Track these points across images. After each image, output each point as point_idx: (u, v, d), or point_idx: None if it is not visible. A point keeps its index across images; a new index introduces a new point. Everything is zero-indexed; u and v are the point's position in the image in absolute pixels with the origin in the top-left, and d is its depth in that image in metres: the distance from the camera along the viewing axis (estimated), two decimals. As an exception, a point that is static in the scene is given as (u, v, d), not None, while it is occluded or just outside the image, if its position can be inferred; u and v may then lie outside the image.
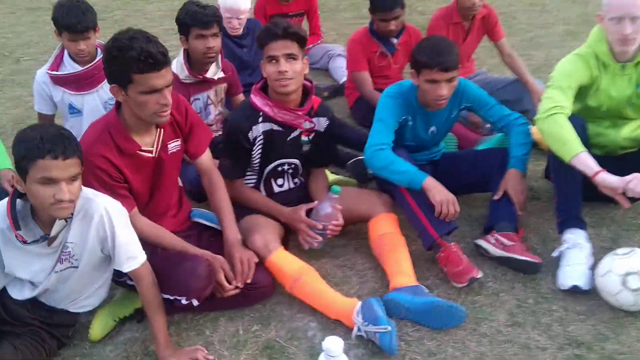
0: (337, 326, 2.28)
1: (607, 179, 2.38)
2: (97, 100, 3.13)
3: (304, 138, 2.69)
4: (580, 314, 2.32)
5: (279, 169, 2.74)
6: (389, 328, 2.14)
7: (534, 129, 2.88)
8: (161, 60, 2.14)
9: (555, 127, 2.51)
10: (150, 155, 2.36)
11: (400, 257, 2.50)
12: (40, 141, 1.87)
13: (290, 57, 2.50)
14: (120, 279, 2.32)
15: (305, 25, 5.03)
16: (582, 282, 2.39)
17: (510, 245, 2.55)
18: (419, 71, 2.65)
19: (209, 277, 2.25)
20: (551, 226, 2.72)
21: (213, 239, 2.56)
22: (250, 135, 2.60)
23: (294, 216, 2.60)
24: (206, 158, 2.59)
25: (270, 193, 2.76)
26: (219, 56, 3.21)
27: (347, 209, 2.64)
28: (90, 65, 3.06)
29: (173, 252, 2.33)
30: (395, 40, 3.73)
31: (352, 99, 3.98)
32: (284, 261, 2.44)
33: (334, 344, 1.82)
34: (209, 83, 3.21)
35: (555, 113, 2.52)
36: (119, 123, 2.28)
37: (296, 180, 2.81)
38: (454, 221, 2.57)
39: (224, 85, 3.31)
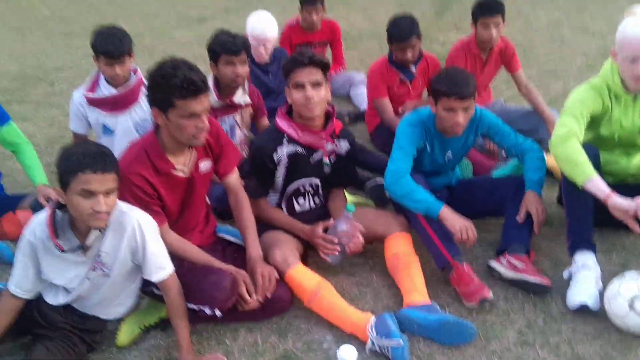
0: (352, 340, 2.37)
1: (618, 202, 2.47)
2: (129, 122, 3.31)
3: (325, 160, 2.83)
4: (589, 335, 2.40)
5: (301, 189, 2.87)
6: (402, 342, 2.24)
7: (548, 157, 2.99)
8: (201, 88, 2.30)
9: (569, 152, 2.61)
10: (183, 174, 2.51)
11: (414, 275, 2.61)
12: (82, 157, 2.04)
13: (316, 84, 2.65)
14: (148, 289, 2.45)
15: (328, 53, 5.23)
16: (590, 301, 2.46)
17: (521, 267, 2.64)
18: (437, 99, 2.78)
19: (232, 290, 2.37)
20: (562, 250, 2.81)
21: (236, 254, 2.70)
22: (275, 156, 2.74)
23: (312, 232, 2.72)
24: (234, 177, 2.74)
25: (291, 212, 2.89)
26: (246, 82, 3.38)
27: (366, 228, 2.76)
28: (124, 88, 3.25)
29: (199, 265, 2.47)
30: (413, 68, 3.87)
31: (372, 126, 4.12)
32: (303, 276, 2.55)
33: (348, 352, 1.93)
34: (235, 107, 3.38)
35: (568, 138, 2.63)
36: (156, 144, 2.44)
37: (316, 200, 2.94)
38: None
39: (249, 110, 3.48)
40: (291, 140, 2.73)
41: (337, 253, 2.66)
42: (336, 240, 2.65)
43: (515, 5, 8.50)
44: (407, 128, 2.88)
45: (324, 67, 2.69)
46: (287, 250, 2.62)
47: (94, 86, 3.29)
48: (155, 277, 2.27)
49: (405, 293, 2.56)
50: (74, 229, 2.20)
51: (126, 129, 3.30)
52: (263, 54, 4.18)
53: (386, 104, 3.86)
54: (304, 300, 2.53)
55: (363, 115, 4.40)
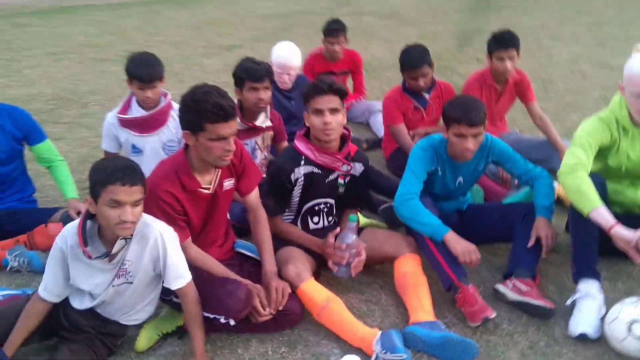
0: (358, 353, 2.47)
1: (621, 232, 2.56)
2: (157, 143, 3.49)
3: (340, 181, 2.97)
4: (589, 358, 2.47)
5: (316, 207, 3.01)
6: (405, 356, 2.34)
7: (558, 186, 3.08)
8: (230, 113, 2.47)
9: (576, 182, 2.71)
10: (207, 192, 2.67)
11: (421, 294, 2.71)
12: (112, 170, 2.21)
13: (334, 110, 2.80)
14: (168, 297, 2.59)
15: (350, 82, 5.40)
16: (591, 330, 2.54)
17: (526, 291, 2.73)
18: (449, 125, 2.91)
19: (246, 301, 2.50)
20: (568, 277, 2.88)
21: (252, 269, 2.83)
22: (293, 176, 2.89)
23: (324, 243, 2.83)
24: (254, 196, 2.89)
25: (305, 230, 3.02)
26: (268, 107, 3.55)
27: (376, 248, 2.91)
28: (154, 110, 3.44)
29: (217, 277, 2.61)
30: (426, 96, 4.01)
31: (388, 151, 4.26)
32: (314, 290, 2.67)
33: (351, 361, 2.04)
34: (257, 130, 3.54)
35: (576, 169, 2.73)
36: (185, 163, 2.60)
37: (330, 218, 3.07)
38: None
39: (270, 133, 3.64)
40: (308, 161, 2.88)
41: (344, 262, 2.75)
42: (344, 247, 2.74)
43: (537, 40, 8.67)
44: (419, 152, 3.01)
45: (342, 95, 2.84)
46: (300, 265, 2.75)
47: (126, 108, 3.48)
48: (174, 285, 2.41)
49: (412, 311, 2.66)
50: (101, 238, 2.36)
51: (154, 149, 3.48)
52: (286, 81, 4.37)
53: (402, 129, 3.99)
54: (314, 313, 2.64)
55: (380, 142, 4.54)
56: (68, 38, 9.73)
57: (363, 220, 3.41)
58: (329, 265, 2.81)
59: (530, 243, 2.85)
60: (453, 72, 6.66)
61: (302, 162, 2.88)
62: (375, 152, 4.60)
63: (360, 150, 3.08)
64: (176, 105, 2.91)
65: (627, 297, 2.78)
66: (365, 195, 3.21)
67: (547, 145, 4.12)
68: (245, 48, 8.27)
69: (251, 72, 3.35)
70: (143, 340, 2.59)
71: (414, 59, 3.90)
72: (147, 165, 3.03)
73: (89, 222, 2.35)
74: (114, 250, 2.34)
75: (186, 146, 2.64)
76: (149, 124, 3.46)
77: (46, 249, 2.53)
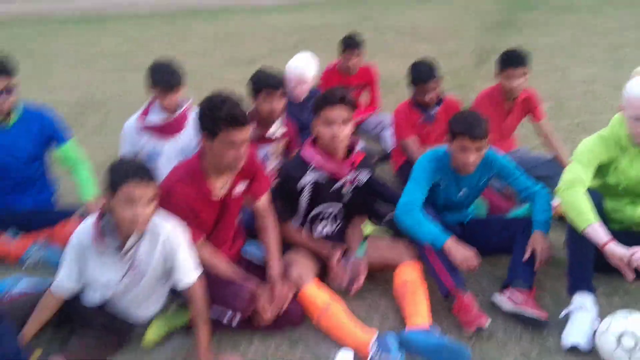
0: (355, 354, 2.57)
1: (614, 249, 2.64)
2: (175, 147, 3.64)
3: (346, 188, 3.08)
4: (578, 367, 2.54)
5: (322, 214, 3.12)
6: (398, 358, 2.43)
7: (559, 202, 3.15)
8: (243, 121, 2.60)
9: (573, 198, 2.79)
10: (219, 196, 2.80)
11: (419, 300, 2.80)
12: (127, 169, 2.36)
13: (344, 121, 2.92)
14: (177, 294, 2.72)
15: (365, 96, 5.53)
16: (582, 342, 2.60)
17: (521, 301, 2.80)
18: (453, 138, 3.02)
19: (250, 301, 2.63)
20: (565, 290, 2.93)
21: (258, 272, 2.94)
22: (300, 183, 3.01)
23: (330, 256, 2.97)
24: (264, 201, 3.01)
25: (310, 235, 3.13)
26: (282, 116, 3.68)
27: (378, 256, 3.03)
28: (173, 116, 3.59)
29: (222, 277, 2.73)
30: (435, 109, 4.12)
31: (397, 165, 4.36)
32: (315, 293, 2.79)
33: (345, 356, 2.14)
34: (270, 139, 3.67)
35: (574, 185, 2.81)
36: (199, 167, 2.74)
37: (335, 225, 3.18)
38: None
39: (283, 142, 3.77)
40: (315, 169, 2.99)
41: (344, 285, 2.92)
42: (346, 275, 2.92)
43: (553, 59, 8.73)
44: (424, 163, 3.12)
45: (352, 107, 2.96)
46: (303, 268, 2.87)
47: (146, 113, 3.64)
48: (184, 281, 2.54)
49: (408, 317, 2.76)
50: (115, 234, 2.50)
51: (171, 154, 3.61)
52: (301, 93, 4.50)
53: (411, 143, 4.09)
54: (314, 316, 2.75)
55: (389, 155, 4.64)
56: (93, 47, 10.04)
57: (369, 228, 3.50)
58: (329, 281, 2.96)
59: (526, 256, 2.93)
60: (470, 89, 6.74)
61: (309, 170, 3.00)
62: (384, 165, 4.70)
63: (366, 159, 3.18)
64: (195, 112, 3.05)
65: (621, 311, 2.88)
66: (370, 203, 3.30)
67: (554, 163, 4.18)
68: (265, 61, 8.42)
69: (266, 82, 3.48)
70: (151, 335, 2.72)
71: (422, 74, 4.01)
72: (164, 168, 3.18)
73: (104, 219, 2.49)
74: (126, 246, 2.48)
75: (200, 151, 2.77)
76: (167, 129, 3.61)
77: (63, 247, 2.68)
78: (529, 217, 3.18)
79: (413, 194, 3.04)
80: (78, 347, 2.55)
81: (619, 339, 2.46)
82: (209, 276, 2.67)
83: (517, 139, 5.00)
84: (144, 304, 2.67)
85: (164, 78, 3.45)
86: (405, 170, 4.20)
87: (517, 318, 2.81)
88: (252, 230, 3.16)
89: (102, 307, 2.64)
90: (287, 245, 3.04)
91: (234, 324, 2.61)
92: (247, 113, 2.62)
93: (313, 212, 3.10)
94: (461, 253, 2.88)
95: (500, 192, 3.89)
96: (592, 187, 3.12)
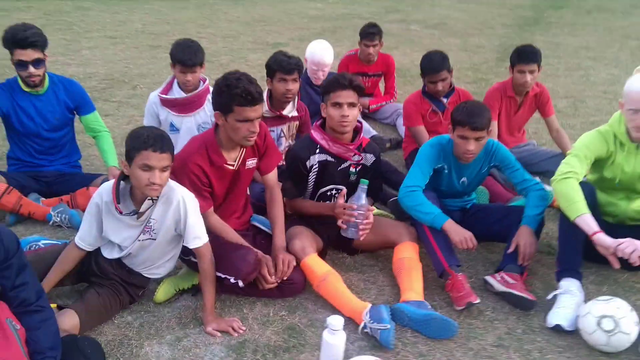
0: (350, 322, 2.74)
1: (602, 239, 2.77)
2: (193, 123, 3.82)
3: (352, 169, 3.24)
4: (560, 347, 2.68)
5: (329, 193, 3.28)
6: (389, 327, 2.60)
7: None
8: (257, 98, 2.77)
9: (567, 189, 2.92)
10: (232, 168, 2.98)
11: (414, 277, 2.96)
12: (146, 137, 2.54)
13: (351, 104, 3.07)
14: (186, 257, 2.92)
15: (382, 85, 5.67)
16: (565, 323, 2.75)
17: (512, 283, 2.95)
18: (454, 127, 3.15)
19: (255, 265, 2.80)
20: (554, 277, 3.08)
21: (264, 241, 3.14)
22: (308, 163, 3.17)
23: (335, 204, 3.08)
24: (273, 176, 3.19)
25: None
26: (296, 98, 3.85)
27: (380, 234, 3.19)
28: (193, 93, 3.77)
29: (231, 242, 2.92)
30: (445, 100, 4.24)
31: (407, 152, 4.50)
32: (315, 264, 2.96)
33: (335, 320, 2.31)
34: (284, 119, 3.84)
35: (569, 177, 2.94)
36: (214, 140, 2.92)
37: (341, 203, 3.34)
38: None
39: (296, 123, 3.94)
40: (323, 150, 3.16)
41: (352, 220, 2.98)
42: (355, 207, 2.98)
43: (578, 59, 8.76)
44: (428, 149, 3.26)
45: (360, 91, 3.11)
46: (306, 241, 3.04)
47: (167, 89, 3.83)
48: (193, 244, 2.73)
49: (403, 291, 2.92)
50: (132, 198, 2.69)
51: (189, 129, 3.81)
52: (320, 77, 4.65)
53: (421, 130, 4.22)
54: (314, 284, 2.93)
55: (402, 142, 4.78)
56: (126, 24, 10.28)
57: (375, 211, 3.65)
58: (338, 224, 3.02)
59: (511, 249, 3.06)
60: (487, 84, 6.82)
61: (317, 151, 3.16)
62: (397, 151, 4.86)
63: (372, 143, 3.32)
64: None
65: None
66: (375, 185, 3.45)
67: (561, 158, 4.26)
68: (290, 46, 8.59)
69: (282, 65, 3.65)
70: (161, 293, 2.93)
71: (433, 64, 4.13)
72: (182, 142, 3.36)
73: (122, 183, 2.69)
74: (141, 209, 2.67)
75: (216, 126, 2.95)
76: (187, 105, 3.79)
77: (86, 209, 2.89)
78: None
79: (415, 178, 3.19)
80: (94, 298, 2.74)
81: (599, 322, 2.59)
82: (218, 242, 2.85)
83: (530, 134, 5.13)
84: (156, 262, 2.87)
85: (185, 57, 3.63)
86: (414, 156, 4.33)
87: (506, 298, 2.95)
88: (262, 204, 3.35)
89: (119, 262, 2.84)
90: (292, 220, 3.21)
91: (241, 285, 2.79)
92: (260, 91, 2.78)
93: (320, 191, 3.27)
94: (459, 233, 3.03)
95: (502, 183, 4.01)
96: (589, 180, 3.25)
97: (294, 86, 3.71)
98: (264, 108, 3.69)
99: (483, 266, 3.30)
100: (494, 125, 4.29)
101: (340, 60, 5.57)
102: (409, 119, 4.30)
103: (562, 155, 4.30)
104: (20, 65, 3.52)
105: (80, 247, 2.79)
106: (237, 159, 2.99)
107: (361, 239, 3.05)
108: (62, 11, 11.14)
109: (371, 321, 2.65)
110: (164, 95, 3.80)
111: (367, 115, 5.55)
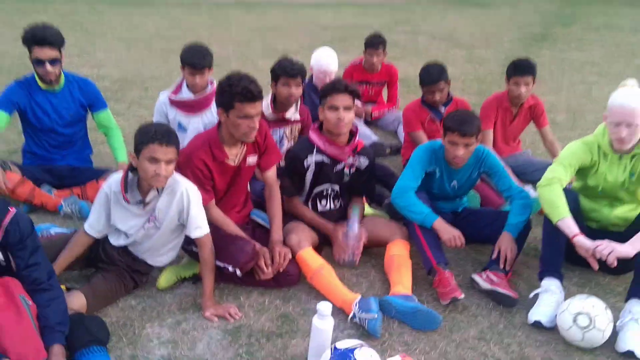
0: (340, 312, 2.91)
1: (582, 241, 2.93)
2: (200, 123, 4.00)
3: (346, 171, 3.41)
4: (538, 342, 2.83)
5: (324, 192, 3.46)
6: (376, 316, 2.76)
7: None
8: (256, 96, 2.96)
9: (550, 194, 3.08)
10: (233, 164, 3.16)
11: (403, 272, 3.12)
12: (154, 132, 2.72)
13: (347, 108, 3.25)
14: (188, 247, 3.09)
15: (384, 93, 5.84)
16: (545, 320, 2.90)
17: (497, 282, 3.10)
18: (445, 133, 3.32)
19: (252, 255, 2.98)
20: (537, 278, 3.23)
21: (262, 235, 3.30)
22: (305, 162, 3.35)
23: (334, 233, 3.30)
24: (272, 173, 3.36)
25: (315, 211, 3.47)
26: (299, 102, 4.02)
27: (374, 233, 3.35)
28: (201, 95, 3.96)
29: (230, 233, 3.09)
30: (442, 109, 4.40)
31: (405, 157, 4.65)
32: (310, 257, 3.13)
33: (324, 306, 2.47)
34: (286, 122, 4.02)
35: (553, 182, 3.10)
36: (217, 137, 3.11)
37: (336, 203, 3.51)
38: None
39: (298, 126, 4.11)
40: (319, 151, 3.33)
41: (346, 257, 3.24)
42: (350, 244, 3.23)
43: (582, 75, 8.90)
44: (420, 153, 3.43)
45: (355, 95, 3.29)
46: (302, 235, 3.21)
47: (177, 90, 4.02)
48: (194, 234, 2.90)
49: (392, 285, 3.08)
50: (139, 188, 2.88)
51: (196, 129, 3.98)
52: (325, 83, 4.82)
53: (420, 135, 4.38)
54: (308, 276, 3.10)
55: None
56: (140, 28, 10.55)
57: (369, 210, 3.83)
58: (335, 259, 3.26)
59: (494, 255, 3.21)
60: (489, 95, 6.98)
61: (314, 151, 3.33)
62: (397, 157, 5.02)
63: (367, 148, 3.50)
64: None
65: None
66: (369, 187, 3.62)
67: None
68: (299, 54, 8.76)
69: (286, 69, 3.83)
70: (164, 280, 3.10)
71: (431, 75, 4.31)
72: (189, 141, 3.53)
73: (130, 174, 2.87)
74: (147, 199, 2.85)
75: (218, 123, 3.13)
76: (194, 106, 3.97)
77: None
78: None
79: (408, 179, 3.35)
80: (101, 282, 2.92)
81: (575, 318, 2.74)
82: (218, 233, 3.03)
83: (527, 144, 5.28)
84: (160, 250, 3.04)
85: (194, 60, 3.82)
86: (412, 162, 4.51)
87: (491, 296, 3.10)
88: (262, 201, 3.52)
89: (126, 249, 3.02)
90: (290, 216, 3.38)
91: (239, 274, 2.95)
92: (260, 89, 2.96)
93: (316, 190, 3.44)
94: (448, 232, 3.19)
95: (494, 189, 4.15)
96: (575, 187, 3.41)
97: (297, 90, 3.88)
98: (268, 111, 3.90)
99: (472, 266, 3.44)
100: (490, 134, 4.46)
101: (345, 68, 5.75)
102: (408, 125, 4.46)
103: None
104: (38, 62, 3.73)
105: (89, 234, 2.97)
106: (238, 155, 3.16)
107: (357, 263, 3.26)
108: (77, 13, 11.44)
109: (360, 311, 2.81)
110: (173, 96, 3.98)
111: (370, 122, 5.73)
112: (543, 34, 12.82)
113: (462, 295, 3.00)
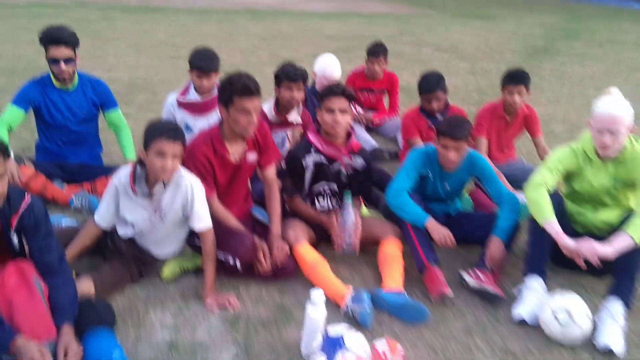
0: (334, 304, 3.06)
1: (566, 242, 3.09)
2: (206, 124, 4.15)
3: (343, 170, 3.58)
4: (520, 335, 2.98)
5: (322, 191, 3.62)
6: (367, 309, 2.91)
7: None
8: (254, 91, 3.15)
9: (536, 196, 3.24)
10: (233, 160, 3.34)
11: (395, 269, 3.28)
12: (161, 128, 2.91)
13: (343, 110, 3.43)
14: (192, 241, 3.25)
15: (386, 101, 6.01)
16: (527, 316, 3.05)
17: (484, 280, 3.25)
18: (438, 138, 3.49)
19: (252, 248, 3.14)
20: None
21: (262, 230, 3.47)
22: (304, 162, 3.52)
23: (330, 223, 3.43)
24: (271, 171, 3.53)
25: (313, 209, 3.64)
26: (300, 105, 4.20)
27: (368, 232, 3.50)
28: (207, 97, 4.14)
29: (231, 227, 3.26)
30: (440, 117, 4.57)
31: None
32: (307, 252, 3.30)
33: (317, 295, 2.63)
34: (288, 124, 4.20)
35: (539, 186, 3.26)
36: (218, 133, 3.29)
37: (334, 201, 3.68)
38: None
39: (299, 129, 4.29)
40: (317, 151, 3.51)
41: (345, 245, 3.35)
42: (347, 227, 3.34)
43: (581, 88, 9.06)
44: (415, 155, 3.60)
45: (351, 99, 3.46)
46: (299, 231, 3.38)
47: (184, 92, 4.21)
48: (198, 227, 3.07)
49: (384, 280, 3.23)
50: (147, 181, 3.05)
51: (202, 130, 4.15)
52: (328, 88, 5.00)
53: (418, 141, 4.55)
54: (304, 270, 3.26)
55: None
56: (150, 35, 10.78)
57: (365, 211, 3.99)
58: (335, 248, 3.40)
59: (485, 258, 3.36)
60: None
61: (312, 151, 3.51)
62: (395, 162, 5.18)
63: (364, 150, 3.67)
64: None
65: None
66: (365, 188, 3.78)
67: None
68: (305, 62, 8.93)
69: (288, 74, 4.02)
70: (167, 271, 3.27)
71: (429, 84, 4.49)
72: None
73: (138, 168, 3.05)
74: (154, 192, 3.02)
75: (220, 120, 3.31)
76: (201, 108, 4.16)
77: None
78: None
79: (402, 181, 3.52)
80: (108, 270, 3.09)
81: (555, 314, 2.89)
82: (220, 227, 3.20)
83: (524, 153, 5.44)
84: (165, 241, 3.21)
85: (201, 63, 4.00)
86: (409, 167, 4.67)
87: (478, 293, 3.26)
88: (260, 202, 3.69)
89: (132, 240, 3.20)
90: (288, 214, 3.55)
91: (238, 266, 3.12)
92: (257, 86, 3.14)
93: (314, 189, 3.61)
94: (439, 231, 3.35)
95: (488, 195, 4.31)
96: (563, 192, 3.56)
97: (299, 94, 4.07)
98: (271, 113, 4.08)
99: (461, 264, 3.59)
100: (484, 142, 4.62)
101: (348, 76, 5.93)
102: (406, 132, 4.63)
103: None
104: (53, 61, 3.92)
105: (98, 224, 3.14)
106: (239, 151, 3.34)
107: (357, 248, 3.39)
108: (90, 19, 11.68)
109: (352, 303, 2.97)
110: (181, 98, 4.17)
111: (371, 128, 5.90)
112: (546, 47, 13.01)
113: (451, 294, 3.15)
